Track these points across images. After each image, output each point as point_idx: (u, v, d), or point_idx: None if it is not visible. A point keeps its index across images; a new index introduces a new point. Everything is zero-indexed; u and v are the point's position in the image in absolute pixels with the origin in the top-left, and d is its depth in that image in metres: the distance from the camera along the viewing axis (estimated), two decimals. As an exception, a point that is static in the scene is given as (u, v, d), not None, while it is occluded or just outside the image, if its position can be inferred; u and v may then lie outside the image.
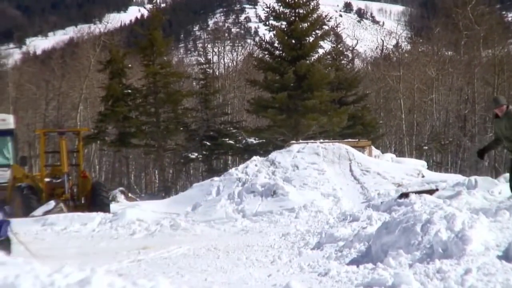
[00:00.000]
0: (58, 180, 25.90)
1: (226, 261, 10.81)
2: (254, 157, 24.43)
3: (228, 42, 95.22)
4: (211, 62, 72.67)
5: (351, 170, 23.40)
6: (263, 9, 54.75)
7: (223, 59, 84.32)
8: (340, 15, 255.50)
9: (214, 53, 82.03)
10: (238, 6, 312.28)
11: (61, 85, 68.19)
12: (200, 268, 10.26)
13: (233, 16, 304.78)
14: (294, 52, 47.06)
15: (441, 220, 8.85)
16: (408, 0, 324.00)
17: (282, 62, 47.88)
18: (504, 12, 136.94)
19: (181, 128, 53.63)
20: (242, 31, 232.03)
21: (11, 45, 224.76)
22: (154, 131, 52.64)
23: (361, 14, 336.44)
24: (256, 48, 59.88)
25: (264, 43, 52.31)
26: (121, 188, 39.25)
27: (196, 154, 53.77)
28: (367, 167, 25.46)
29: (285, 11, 47.92)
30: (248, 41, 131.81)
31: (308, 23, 47.89)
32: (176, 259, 11.44)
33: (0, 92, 70.68)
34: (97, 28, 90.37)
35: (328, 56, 54.03)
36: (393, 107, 68.47)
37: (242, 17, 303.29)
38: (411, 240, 8.95)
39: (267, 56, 50.29)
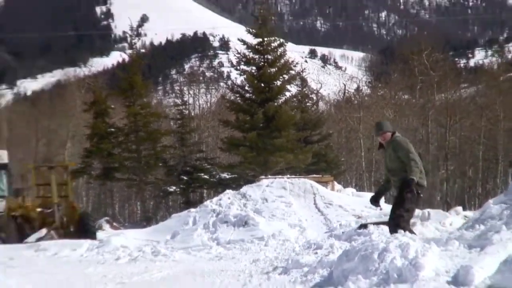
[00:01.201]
0: (49, 210, 25.91)
1: (202, 284, 10.83)
2: (227, 191, 24.47)
3: (203, 85, 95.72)
4: (187, 103, 71.84)
5: (315, 203, 23.44)
6: (235, 55, 54.59)
7: (198, 100, 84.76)
8: (306, 61, 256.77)
9: (189, 95, 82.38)
10: (212, 52, 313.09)
11: (50, 123, 68.12)
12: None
13: (207, 61, 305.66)
14: (263, 95, 47.36)
15: (396, 248, 8.78)
16: (368, 47, 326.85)
17: (252, 104, 48.08)
18: (456, 59, 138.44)
19: (160, 164, 53.56)
20: (216, 75, 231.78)
21: (3, 86, 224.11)
22: (136, 166, 52.61)
23: (325, 60, 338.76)
24: (228, 91, 59.87)
25: (235, 86, 52.69)
26: (106, 218, 39.23)
27: (174, 188, 53.82)
28: (330, 200, 25.43)
29: (255, 57, 48.22)
30: (221, 84, 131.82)
31: (276, 68, 48.17)
32: (157, 282, 11.47)
33: (-7, 131, 70.53)
34: (82, 71, 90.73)
35: (294, 99, 54.42)
36: (354, 146, 68.94)
37: (215, 62, 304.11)
38: (369, 267, 8.84)
39: (238, 98, 50.36)
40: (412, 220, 17.47)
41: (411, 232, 11.99)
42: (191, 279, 11.66)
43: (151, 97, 63.56)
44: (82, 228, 25.05)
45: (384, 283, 8.10)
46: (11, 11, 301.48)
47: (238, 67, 52.12)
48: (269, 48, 48.12)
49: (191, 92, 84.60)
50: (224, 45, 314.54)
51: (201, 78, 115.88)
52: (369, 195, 31.97)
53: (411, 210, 12.26)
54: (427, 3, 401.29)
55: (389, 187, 14.59)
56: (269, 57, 48.13)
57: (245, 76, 49.73)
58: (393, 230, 11.97)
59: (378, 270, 8.46)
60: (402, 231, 11.36)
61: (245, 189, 24.22)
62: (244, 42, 49.96)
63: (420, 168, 11.84)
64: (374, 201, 15.12)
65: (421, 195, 12.54)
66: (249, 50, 48.96)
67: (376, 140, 13.74)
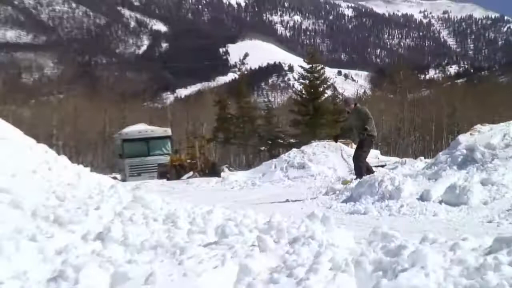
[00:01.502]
0: (194, 161, 25.81)
1: (280, 199, 10.55)
2: (293, 149, 24.13)
3: (279, 90, 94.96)
4: (270, 101, 72.68)
5: (342, 155, 22.80)
6: (297, 74, 56.15)
7: (276, 99, 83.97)
8: (335, 77, 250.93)
9: (272, 96, 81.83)
10: (284, 72, 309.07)
11: (195, 113, 68.34)
12: (267, 205, 9.98)
13: (281, 77, 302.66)
14: (312, 95, 47.14)
15: (388, 180, 8.30)
16: (370, 69, 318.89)
17: (307, 101, 47.75)
18: (419, 74, 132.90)
19: (256, 134, 53.67)
20: (286, 85, 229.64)
21: (168, 93, 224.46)
22: (242, 136, 53.28)
23: (346, 76, 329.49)
24: (293, 94, 60.06)
25: (297, 91, 53.21)
26: (226, 165, 39.15)
27: (264, 148, 53.65)
28: (350, 154, 24.55)
29: (308, 75, 47.95)
30: (289, 90, 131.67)
31: (319, 81, 47.80)
32: (254, 200, 11.25)
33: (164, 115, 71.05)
34: (212, 84, 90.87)
35: (330, 98, 53.55)
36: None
37: (286, 78, 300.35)
38: (372, 190, 8.42)
39: (299, 97, 50.29)
40: (396, 165, 16.95)
41: (367, 165, 11.43)
42: (274, 198, 11.36)
43: (250, 97, 63.30)
44: (213, 171, 24.42)
45: (381, 200, 7.77)
46: (173, 49, 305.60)
47: (299, 80, 52.30)
48: (315, 70, 47.58)
49: (273, 94, 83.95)
50: (291, 68, 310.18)
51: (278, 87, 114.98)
52: (373, 151, 30.96)
53: (367, 151, 11.39)
54: (404, 42, 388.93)
55: (345, 133, 16.96)
56: (315, 75, 47.55)
57: (302, 85, 49.39)
58: (355, 164, 11.37)
59: (378, 192, 8.13)
60: (362, 165, 11.07)
61: (303, 148, 23.81)
62: (302, 66, 49.95)
63: (373, 124, 11.10)
64: (335, 138, 16.09)
65: (373, 141, 11.94)
66: (304, 71, 48.54)
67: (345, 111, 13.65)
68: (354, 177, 11.00)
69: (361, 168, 10.97)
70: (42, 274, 3.17)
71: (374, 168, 13.02)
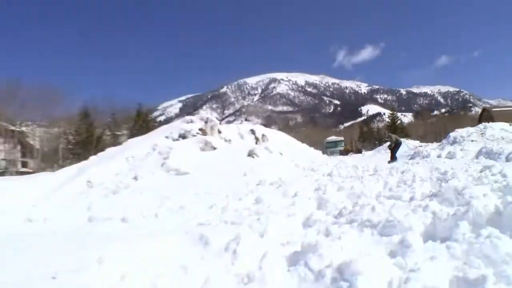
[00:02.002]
0: (351, 148, 52.79)
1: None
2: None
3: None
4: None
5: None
6: None
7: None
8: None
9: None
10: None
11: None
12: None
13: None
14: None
15: (425, 151, 17.49)
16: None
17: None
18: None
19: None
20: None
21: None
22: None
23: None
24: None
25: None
26: (363, 150, 52.42)
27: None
28: (415, 145, 31.01)
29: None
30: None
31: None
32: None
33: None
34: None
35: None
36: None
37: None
38: (419, 155, 17.27)
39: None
40: (425, 146, 26.52)
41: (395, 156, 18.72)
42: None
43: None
44: (359, 152, 46.64)
45: (423, 158, 15.52)
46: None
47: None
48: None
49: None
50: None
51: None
52: (415, 142, 38.99)
53: (395, 151, 19.00)
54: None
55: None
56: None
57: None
58: (393, 155, 18.58)
59: (422, 155, 16.81)
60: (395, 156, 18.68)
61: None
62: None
63: (393, 141, 19.14)
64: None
65: (395, 147, 19.16)
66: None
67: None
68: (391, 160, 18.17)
69: (395, 157, 18.67)
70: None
71: (419, 148, 23.12)
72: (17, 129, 42.53)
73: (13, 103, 42.16)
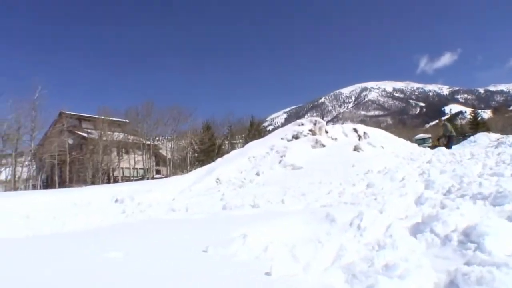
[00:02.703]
0: (439, 143, 39.24)
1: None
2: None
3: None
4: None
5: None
6: None
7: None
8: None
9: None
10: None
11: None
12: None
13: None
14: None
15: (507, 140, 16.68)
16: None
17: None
18: None
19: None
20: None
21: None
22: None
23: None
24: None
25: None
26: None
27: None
28: (496, 137, 26.81)
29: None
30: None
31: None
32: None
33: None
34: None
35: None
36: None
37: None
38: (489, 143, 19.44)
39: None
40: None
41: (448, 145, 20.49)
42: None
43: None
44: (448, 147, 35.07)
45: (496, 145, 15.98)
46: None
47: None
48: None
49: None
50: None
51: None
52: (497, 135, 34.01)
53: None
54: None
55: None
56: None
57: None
58: (450, 144, 20.66)
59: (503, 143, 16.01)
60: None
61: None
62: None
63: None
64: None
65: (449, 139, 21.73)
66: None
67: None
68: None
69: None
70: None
71: (501, 139, 20.34)
72: (152, 143, 50.62)
73: (149, 121, 50.67)
